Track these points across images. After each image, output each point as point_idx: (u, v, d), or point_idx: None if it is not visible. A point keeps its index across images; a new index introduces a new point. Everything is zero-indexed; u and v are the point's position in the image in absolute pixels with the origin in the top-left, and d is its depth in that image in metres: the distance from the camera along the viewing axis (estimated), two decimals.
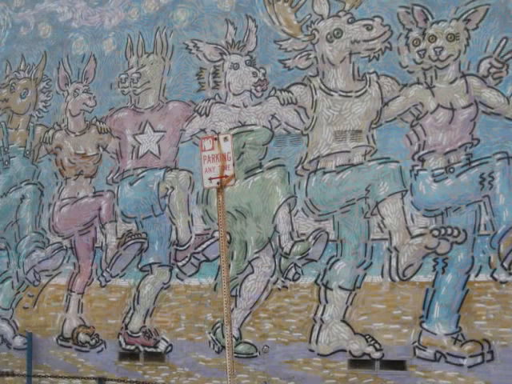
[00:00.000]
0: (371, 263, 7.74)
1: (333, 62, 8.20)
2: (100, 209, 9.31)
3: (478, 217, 7.38)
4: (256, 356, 8.17)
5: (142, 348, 8.84)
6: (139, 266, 8.93)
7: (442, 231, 7.48)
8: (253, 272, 8.26)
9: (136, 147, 9.17)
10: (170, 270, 8.74)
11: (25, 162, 9.99)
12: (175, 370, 8.63)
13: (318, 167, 8.10)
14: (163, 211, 8.86)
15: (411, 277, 7.56)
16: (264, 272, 8.22)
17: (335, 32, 8.21)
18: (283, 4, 8.51)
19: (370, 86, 7.98)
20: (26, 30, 10.29)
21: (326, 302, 7.90)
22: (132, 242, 9.04)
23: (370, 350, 7.67)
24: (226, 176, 5.92)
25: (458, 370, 7.30)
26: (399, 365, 7.54)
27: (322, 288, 7.92)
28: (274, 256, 8.18)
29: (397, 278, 7.63)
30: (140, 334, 8.85)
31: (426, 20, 7.82)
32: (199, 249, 8.60)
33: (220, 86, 8.75)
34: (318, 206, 8.05)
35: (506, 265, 7.23)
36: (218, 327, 8.38)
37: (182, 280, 8.66)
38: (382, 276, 7.68)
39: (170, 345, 8.67)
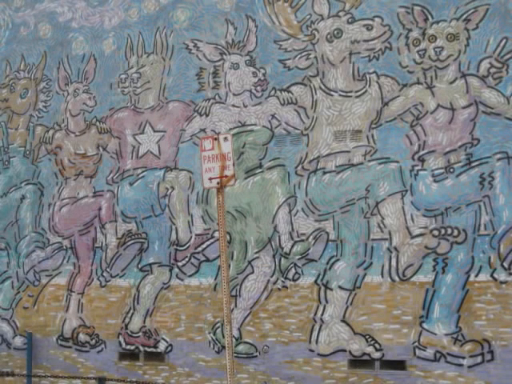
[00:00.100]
0: (371, 263, 7.74)
1: (333, 61, 8.20)
2: (100, 209, 9.30)
3: (477, 217, 7.37)
4: (256, 356, 8.17)
5: (142, 348, 8.83)
6: (139, 266, 8.93)
7: (442, 231, 7.48)
8: (253, 272, 8.26)
9: (136, 147, 9.17)
10: (170, 270, 8.74)
11: (25, 162, 9.98)
12: (175, 369, 8.62)
13: (318, 167, 8.10)
14: (163, 211, 8.86)
15: (411, 277, 7.56)
16: (264, 272, 8.21)
17: (335, 32, 8.21)
18: (283, 4, 8.51)
19: (370, 86, 7.98)
20: (25, 30, 10.28)
21: (326, 302, 7.90)
22: (132, 241, 9.03)
23: (370, 350, 7.66)
24: (226, 176, 5.91)
25: (458, 370, 7.29)
26: (399, 365, 7.54)
27: (322, 288, 7.92)
28: (274, 256, 8.17)
29: (397, 278, 7.62)
30: (140, 334, 8.85)
31: (426, 20, 7.81)
32: (199, 249, 8.60)
33: (220, 85, 8.75)
34: (318, 206, 8.05)
35: (506, 265, 7.23)
36: (218, 327, 8.38)
37: (182, 280, 8.66)
38: (382, 276, 7.68)
39: (170, 345, 8.67)
